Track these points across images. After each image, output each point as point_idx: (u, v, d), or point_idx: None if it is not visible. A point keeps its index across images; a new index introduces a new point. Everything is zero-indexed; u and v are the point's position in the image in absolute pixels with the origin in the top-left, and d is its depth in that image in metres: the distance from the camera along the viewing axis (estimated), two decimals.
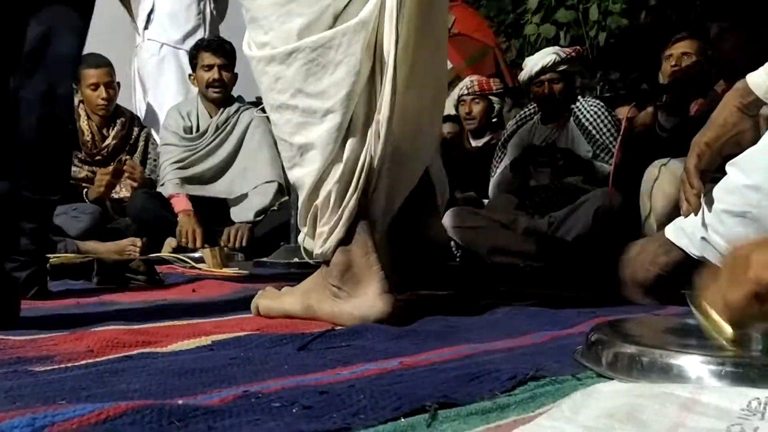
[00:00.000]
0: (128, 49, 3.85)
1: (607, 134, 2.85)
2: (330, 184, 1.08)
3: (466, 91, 3.53)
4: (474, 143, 3.59)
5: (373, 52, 1.06)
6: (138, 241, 2.72)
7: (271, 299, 1.19)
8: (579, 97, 3.05)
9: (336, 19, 1.06)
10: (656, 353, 0.70)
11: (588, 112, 2.92)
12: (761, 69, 1.20)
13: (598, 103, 2.98)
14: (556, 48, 2.99)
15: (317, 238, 1.11)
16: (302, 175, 1.11)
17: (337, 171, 1.07)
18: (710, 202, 1.25)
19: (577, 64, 3.01)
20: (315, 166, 1.08)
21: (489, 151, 3.44)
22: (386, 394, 0.61)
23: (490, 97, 3.52)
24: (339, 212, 1.08)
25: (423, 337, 0.97)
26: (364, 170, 1.07)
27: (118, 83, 3.40)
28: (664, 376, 0.68)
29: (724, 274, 0.71)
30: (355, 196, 1.07)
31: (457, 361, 0.80)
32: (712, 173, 1.28)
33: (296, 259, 2.39)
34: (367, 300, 1.07)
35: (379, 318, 1.05)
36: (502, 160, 3.17)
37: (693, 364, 0.67)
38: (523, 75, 3.02)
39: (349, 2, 1.06)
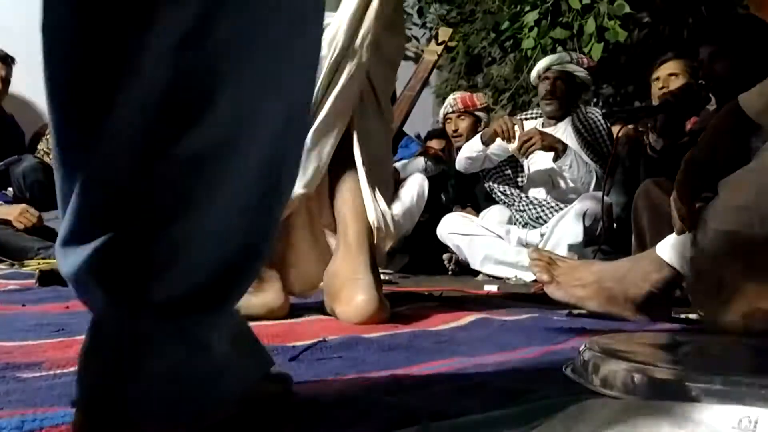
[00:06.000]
0: None
1: (600, 141, 2.91)
2: None
3: (450, 110, 3.54)
4: None
5: None
6: None
7: None
8: (580, 105, 3.12)
9: None
10: (647, 370, 0.70)
11: (586, 119, 2.98)
12: (753, 90, 1.20)
13: (597, 112, 3.05)
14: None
15: None
16: None
17: None
18: (701, 222, 1.25)
19: (586, 74, 3.05)
20: None
21: None
22: (377, 405, 0.61)
23: (476, 112, 3.53)
24: None
25: (414, 349, 0.97)
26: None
27: None
28: (656, 392, 0.68)
29: None
30: None
31: (448, 374, 0.80)
32: (704, 192, 1.28)
33: None
34: (268, 295, 1.26)
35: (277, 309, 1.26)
36: None
37: (684, 381, 0.67)
38: (533, 74, 3.12)
39: None
